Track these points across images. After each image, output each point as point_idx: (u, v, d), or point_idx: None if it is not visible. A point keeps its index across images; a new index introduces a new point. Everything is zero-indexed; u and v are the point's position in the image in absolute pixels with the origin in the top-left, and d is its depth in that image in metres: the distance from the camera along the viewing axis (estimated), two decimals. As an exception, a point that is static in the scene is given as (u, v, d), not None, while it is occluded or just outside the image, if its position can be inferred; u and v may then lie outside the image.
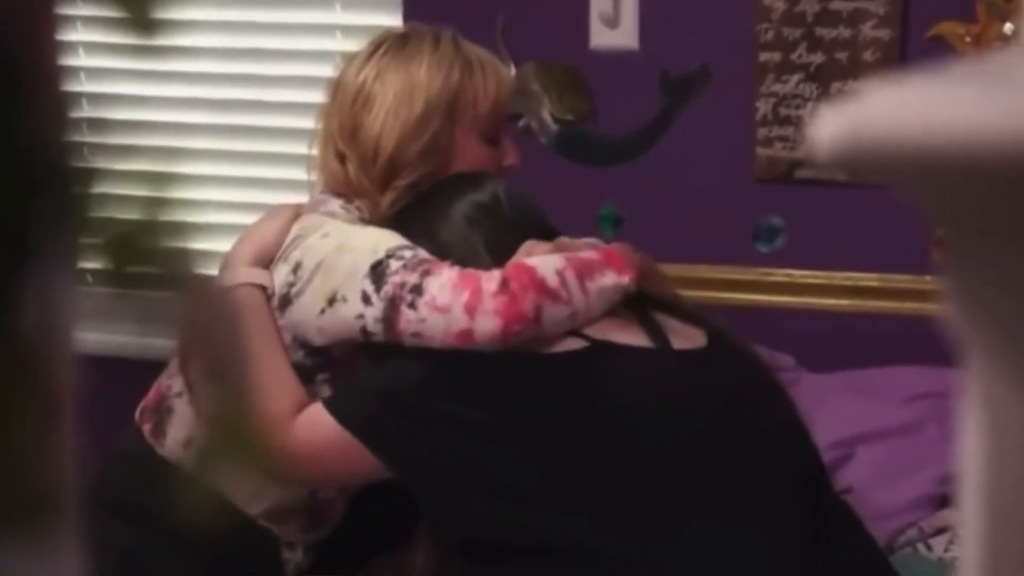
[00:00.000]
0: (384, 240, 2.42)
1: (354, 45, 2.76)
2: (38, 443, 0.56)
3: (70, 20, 4.00)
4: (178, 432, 2.57)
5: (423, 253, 2.40)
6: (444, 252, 2.44)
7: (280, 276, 2.46)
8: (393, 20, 3.93)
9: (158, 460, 2.57)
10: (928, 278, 3.56)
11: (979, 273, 0.92)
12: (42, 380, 0.55)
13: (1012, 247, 0.90)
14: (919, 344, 3.09)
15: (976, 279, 0.92)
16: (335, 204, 2.56)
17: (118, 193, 0.61)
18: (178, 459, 2.55)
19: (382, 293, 2.36)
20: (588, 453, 2.25)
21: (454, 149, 2.57)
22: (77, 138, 0.59)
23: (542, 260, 2.39)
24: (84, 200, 0.56)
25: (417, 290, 2.34)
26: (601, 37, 3.86)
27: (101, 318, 3.82)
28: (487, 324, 2.30)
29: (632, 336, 2.38)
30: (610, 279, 2.40)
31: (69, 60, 4.08)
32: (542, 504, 2.23)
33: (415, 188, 2.56)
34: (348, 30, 3.97)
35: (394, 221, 2.52)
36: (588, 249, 2.51)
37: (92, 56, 4.14)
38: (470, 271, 2.35)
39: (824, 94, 3.63)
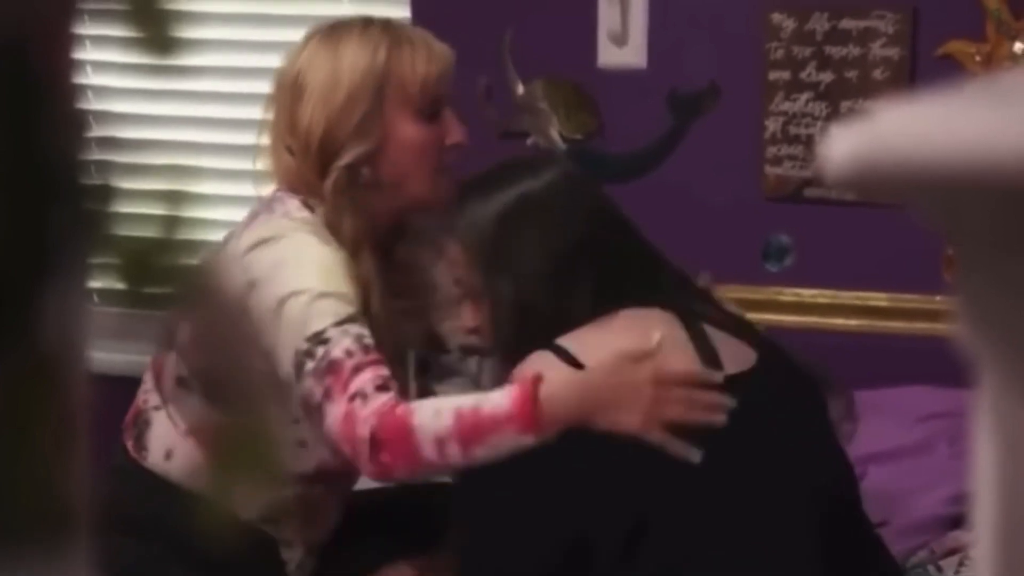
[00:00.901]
0: (319, 311, 2.41)
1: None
2: (55, 459, 0.56)
3: (81, 39, 4.01)
4: (158, 444, 2.61)
5: (335, 351, 2.38)
6: (479, 248, 2.43)
7: (237, 278, 2.45)
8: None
9: (146, 473, 2.60)
10: (938, 298, 3.55)
11: (991, 291, 0.91)
12: (59, 396, 0.55)
13: (1021, 267, 0.90)
14: (929, 364, 3.08)
15: (988, 297, 0.92)
16: (292, 203, 2.56)
17: (132, 212, 0.61)
18: (164, 471, 2.57)
19: (297, 386, 2.40)
20: (632, 487, 2.23)
21: (388, 129, 2.54)
22: (91, 157, 0.59)
23: (429, 421, 2.31)
24: (100, 218, 0.56)
25: (319, 410, 2.37)
26: (609, 55, 3.86)
27: (109, 337, 3.82)
28: (368, 472, 2.36)
29: (684, 358, 2.32)
30: (507, 438, 2.29)
31: (81, 79, 4.09)
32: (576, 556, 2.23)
33: (355, 169, 2.53)
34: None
35: (458, 201, 2.51)
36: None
37: (100, 75, 4.15)
38: (354, 412, 2.33)
39: (834, 113, 3.63)
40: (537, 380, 2.25)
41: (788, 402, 2.38)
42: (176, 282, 0.54)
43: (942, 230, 0.93)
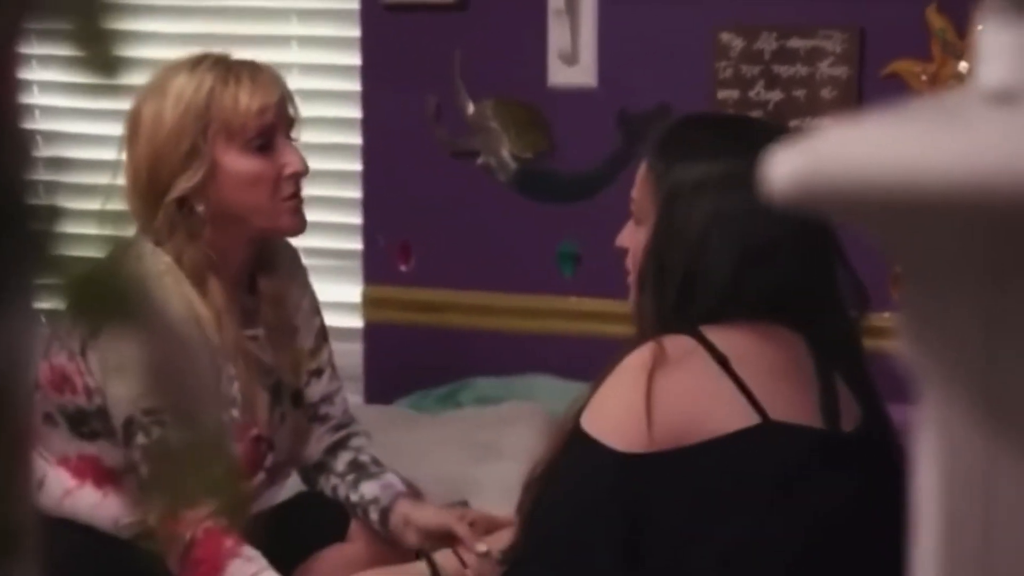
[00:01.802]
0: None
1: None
2: (3, 480, 0.55)
3: (27, 59, 3.99)
4: None
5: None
6: (666, 196, 2.23)
7: None
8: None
9: None
10: (886, 315, 3.57)
11: (935, 309, 0.92)
12: (8, 418, 0.55)
13: (967, 283, 0.91)
14: (879, 381, 3.10)
15: (932, 315, 0.93)
16: (147, 248, 2.57)
17: (78, 233, 0.61)
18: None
19: (125, 447, 2.50)
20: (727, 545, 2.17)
21: (216, 162, 2.56)
22: (38, 177, 0.58)
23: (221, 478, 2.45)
24: (46, 239, 0.55)
25: None
26: (559, 75, 3.87)
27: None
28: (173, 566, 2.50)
29: (805, 406, 2.20)
30: None
31: (27, 99, 4.07)
32: None
33: (186, 203, 2.56)
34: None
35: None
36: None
37: (48, 95, 4.14)
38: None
39: (787, 129, 3.64)
40: None
41: (877, 482, 2.28)
42: (121, 303, 0.54)
43: (885, 248, 0.93)
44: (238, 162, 2.57)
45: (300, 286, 2.81)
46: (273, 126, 2.60)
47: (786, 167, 0.83)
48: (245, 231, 2.61)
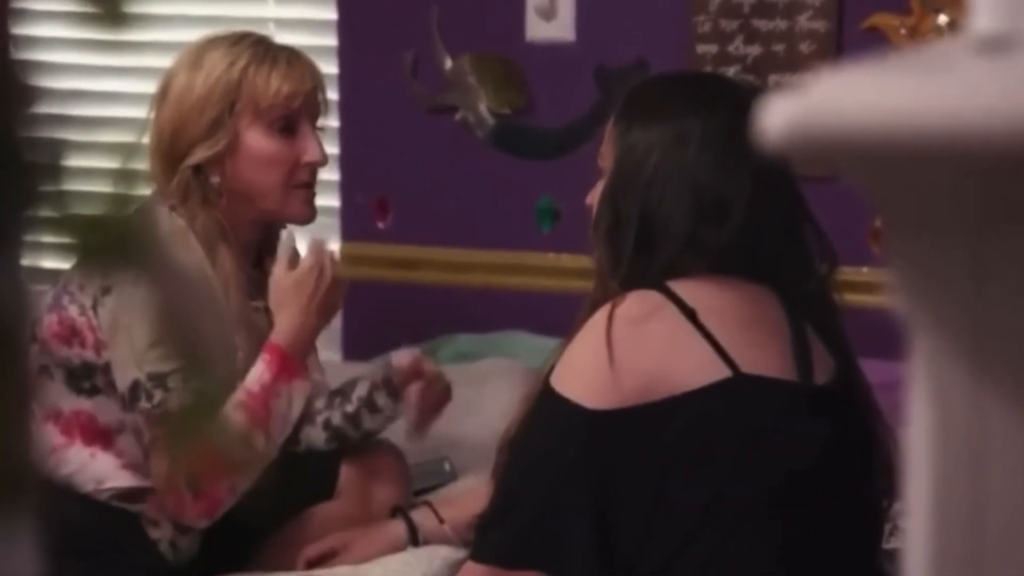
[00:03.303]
0: (165, 350, 2.50)
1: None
2: (12, 426, 0.55)
3: (30, 14, 3.96)
4: None
5: (172, 403, 2.49)
6: (622, 155, 2.24)
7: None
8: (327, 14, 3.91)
9: None
10: (866, 270, 3.58)
11: (925, 258, 0.92)
12: (13, 365, 0.55)
13: (957, 231, 0.91)
14: (859, 336, 3.11)
15: (922, 264, 0.93)
16: (163, 211, 2.62)
17: (86, 188, 0.60)
18: None
19: (130, 406, 2.55)
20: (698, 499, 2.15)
21: (237, 138, 2.63)
22: (40, 133, 0.58)
23: (232, 428, 2.51)
24: (47, 194, 0.55)
25: (147, 449, 2.57)
26: (537, 29, 3.86)
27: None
28: (199, 524, 2.59)
29: (777, 358, 2.19)
30: (284, 398, 2.58)
31: (30, 55, 4.03)
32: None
33: (202, 172, 2.62)
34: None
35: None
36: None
37: (51, 51, 4.10)
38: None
39: (762, 86, 3.64)
40: (274, 340, 2.58)
41: (850, 434, 2.28)
42: (130, 248, 0.54)
43: (874, 198, 0.94)
44: (259, 141, 2.64)
45: None
46: (299, 112, 2.66)
47: (780, 116, 0.83)
48: (254, 211, 2.67)
